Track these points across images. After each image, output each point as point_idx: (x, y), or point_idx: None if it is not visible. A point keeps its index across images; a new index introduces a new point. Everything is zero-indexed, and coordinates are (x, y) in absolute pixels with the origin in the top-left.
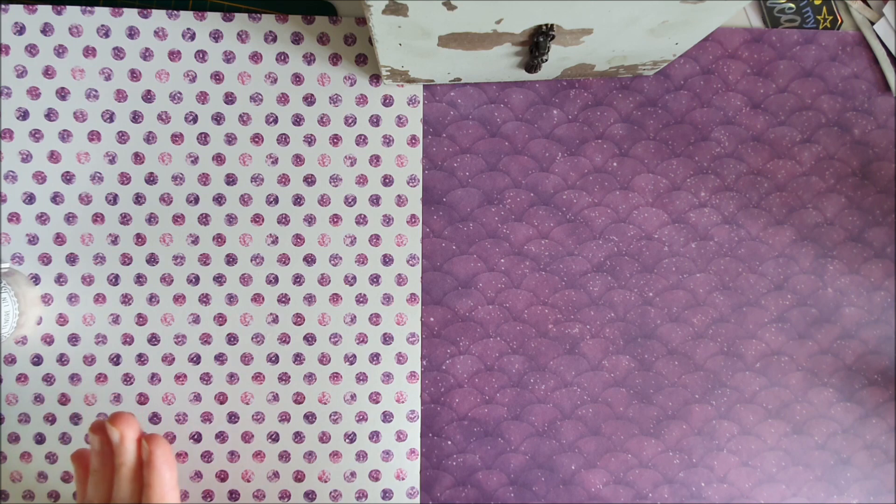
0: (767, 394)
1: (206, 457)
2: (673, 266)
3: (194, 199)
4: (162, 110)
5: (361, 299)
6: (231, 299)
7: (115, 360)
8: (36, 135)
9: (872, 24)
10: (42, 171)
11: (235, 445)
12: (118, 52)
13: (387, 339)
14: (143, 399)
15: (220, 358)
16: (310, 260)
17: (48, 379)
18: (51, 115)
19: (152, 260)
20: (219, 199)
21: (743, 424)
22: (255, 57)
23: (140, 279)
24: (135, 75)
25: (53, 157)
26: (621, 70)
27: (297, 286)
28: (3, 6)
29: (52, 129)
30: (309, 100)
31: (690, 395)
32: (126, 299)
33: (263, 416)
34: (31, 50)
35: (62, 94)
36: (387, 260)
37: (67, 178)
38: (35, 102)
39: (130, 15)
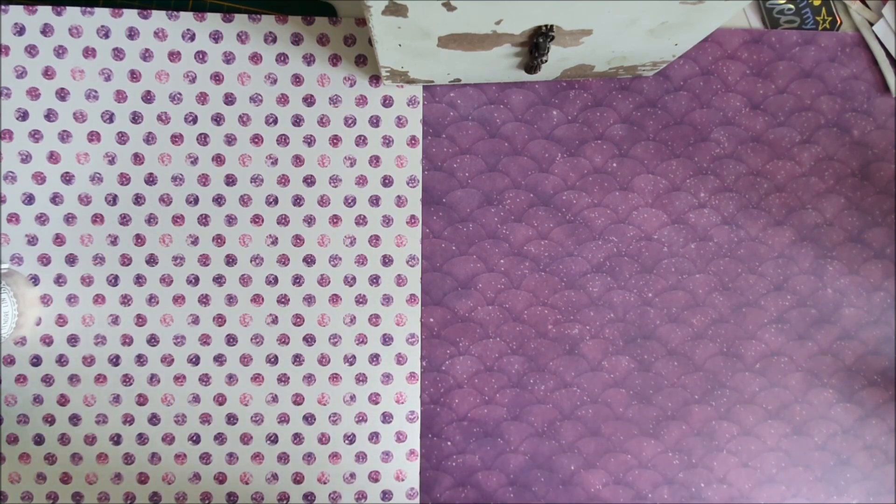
0: (767, 394)
1: (205, 458)
2: (672, 267)
3: (194, 200)
4: (162, 111)
5: (361, 300)
6: (230, 300)
7: (115, 360)
8: (36, 135)
9: (871, 25)
10: (42, 172)
11: (234, 447)
12: (118, 53)
13: (386, 339)
14: (142, 400)
15: (220, 359)
16: (309, 261)
17: (47, 380)
18: (51, 115)
19: (152, 260)
20: (218, 200)
21: (743, 425)
22: (255, 58)
23: (140, 280)
24: (135, 76)
25: (53, 157)
26: (621, 71)
27: (297, 287)
28: (3, 7)
29: (52, 129)
30: (309, 100)
31: (690, 395)
32: (125, 300)
33: (262, 418)
34: (31, 50)
35: (62, 94)
36: (386, 261)
37: (67, 178)
38: (35, 103)
39: (130, 16)
